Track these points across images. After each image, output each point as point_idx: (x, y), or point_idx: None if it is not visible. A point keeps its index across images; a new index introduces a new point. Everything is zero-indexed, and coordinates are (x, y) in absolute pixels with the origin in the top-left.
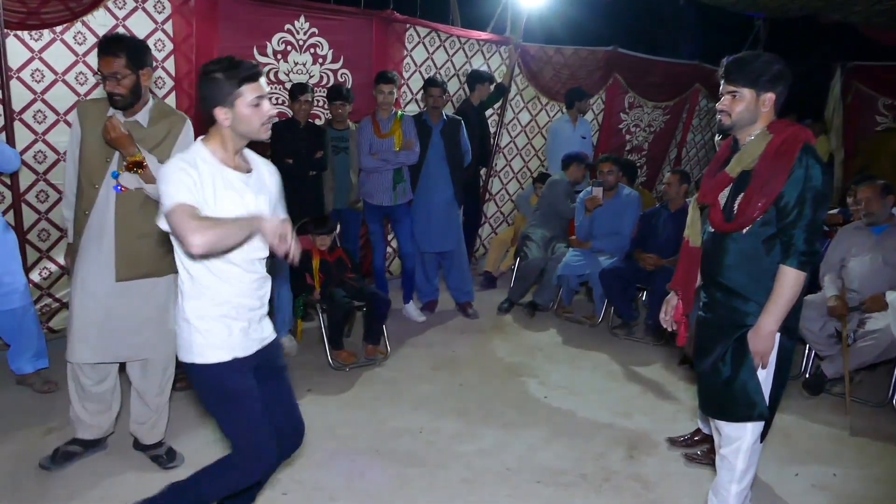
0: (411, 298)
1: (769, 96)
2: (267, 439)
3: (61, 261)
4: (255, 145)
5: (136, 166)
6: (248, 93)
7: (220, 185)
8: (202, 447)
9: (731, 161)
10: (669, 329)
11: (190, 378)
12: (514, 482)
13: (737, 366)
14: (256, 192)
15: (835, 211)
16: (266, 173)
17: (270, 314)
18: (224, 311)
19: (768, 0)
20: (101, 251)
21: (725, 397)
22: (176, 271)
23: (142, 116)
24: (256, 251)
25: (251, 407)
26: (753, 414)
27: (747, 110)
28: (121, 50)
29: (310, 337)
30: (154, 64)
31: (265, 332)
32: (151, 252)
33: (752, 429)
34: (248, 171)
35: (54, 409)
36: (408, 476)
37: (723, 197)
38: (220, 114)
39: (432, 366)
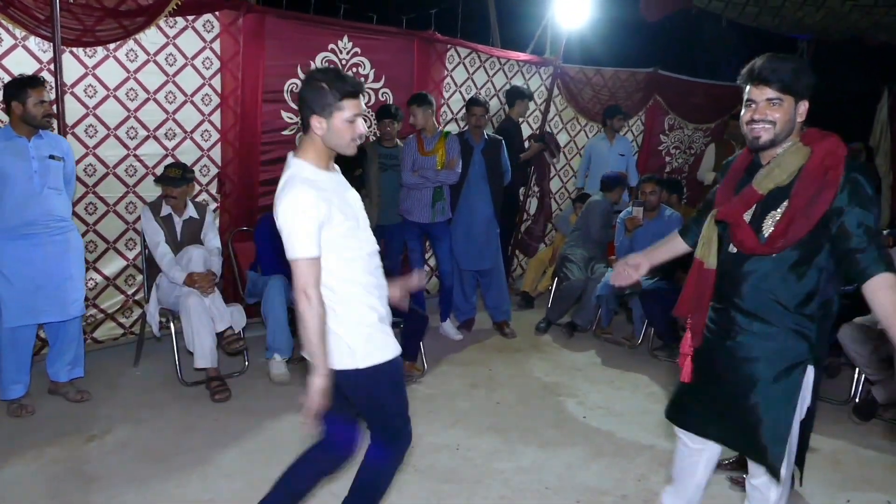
0: (448, 317)
1: (805, 105)
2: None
3: (106, 271)
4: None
5: None
6: (348, 108)
7: (333, 196)
8: (238, 457)
9: (757, 176)
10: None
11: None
12: (554, 501)
13: (774, 402)
14: (347, 189)
15: (885, 232)
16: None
17: None
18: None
19: (813, 22)
20: None
21: (756, 435)
22: None
23: None
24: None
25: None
26: (782, 453)
27: (789, 120)
28: None
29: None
30: (202, 81)
31: None
32: None
33: (784, 459)
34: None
35: (95, 416)
36: (445, 492)
37: (748, 215)
38: (316, 122)
39: (469, 383)
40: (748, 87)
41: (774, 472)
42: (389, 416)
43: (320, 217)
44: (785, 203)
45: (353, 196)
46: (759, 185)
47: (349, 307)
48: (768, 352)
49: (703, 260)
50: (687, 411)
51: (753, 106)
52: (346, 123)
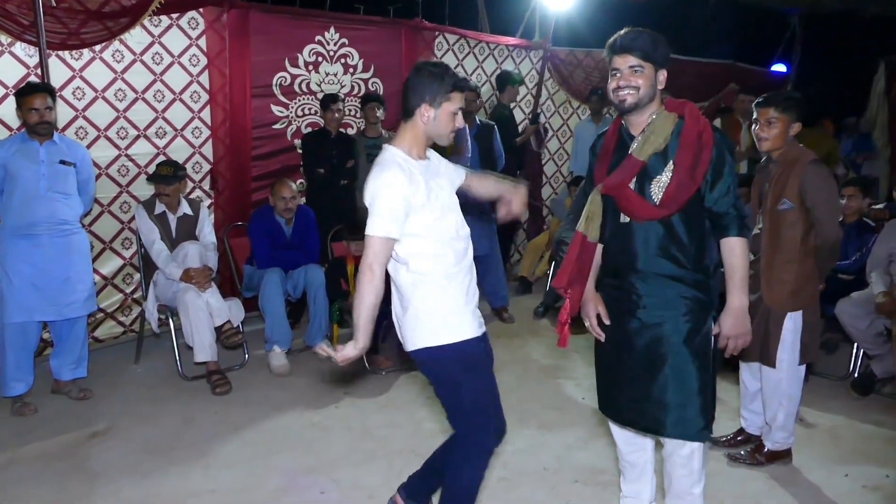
0: None
1: (664, 73)
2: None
3: (104, 271)
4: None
5: None
6: (455, 101)
7: (420, 178)
8: (240, 448)
9: (634, 145)
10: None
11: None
12: (553, 481)
13: (687, 366)
14: (435, 176)
15: (881, 206)
16: (435, 159)
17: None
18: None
19: None
20: None
21: (672, 406)
22: None
23: None
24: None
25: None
26: (708, 420)
27: (651, 86)
28: None
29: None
30: (189, 79)
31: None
32: None
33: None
34: (426, 159)
35: (98, 413)
36: None
37: (631, 185)
38: (425, 111)
39: None
40: (613, 58)
41: (700, 437)
42: (462, 401)
43: (407, 200)
44: (667, 167)
45: (443, 182)
46: (638, 152)
47: (429, 288)
48: (674, 312)
49: (585, 234)
50: (608, 399)
51: (618, 74)
52: (450, 115)
